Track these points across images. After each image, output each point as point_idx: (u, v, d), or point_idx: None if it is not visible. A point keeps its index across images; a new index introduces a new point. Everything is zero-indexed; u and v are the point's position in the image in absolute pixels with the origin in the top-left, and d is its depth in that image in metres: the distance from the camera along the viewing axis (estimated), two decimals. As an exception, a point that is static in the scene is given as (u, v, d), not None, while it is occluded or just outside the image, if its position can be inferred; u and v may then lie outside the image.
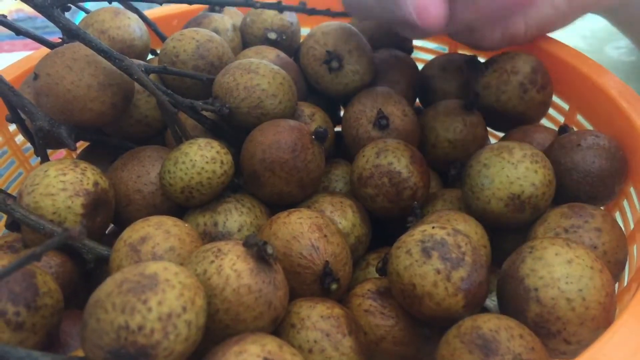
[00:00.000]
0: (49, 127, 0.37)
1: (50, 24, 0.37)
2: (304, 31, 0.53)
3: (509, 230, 0.39)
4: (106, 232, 0.41)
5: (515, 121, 0.46)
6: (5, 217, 0.40)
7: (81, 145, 0.49)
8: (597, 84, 0.42)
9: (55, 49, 0.38)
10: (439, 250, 0.30)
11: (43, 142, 0.38)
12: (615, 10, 0.56)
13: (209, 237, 0.37)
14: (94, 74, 0.37)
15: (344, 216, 0.38)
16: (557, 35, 0.47)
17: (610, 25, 0.66)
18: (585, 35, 0.83)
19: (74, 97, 0.36)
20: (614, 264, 0.34)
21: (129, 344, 0.22)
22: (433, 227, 0.31)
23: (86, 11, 0.49)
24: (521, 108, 0.45)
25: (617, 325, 0.26)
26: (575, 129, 0.45)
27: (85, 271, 0.36)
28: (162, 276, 0.24)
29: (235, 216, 0.37)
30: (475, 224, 0.37)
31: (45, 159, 0.39)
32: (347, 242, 0.36)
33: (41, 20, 0.98)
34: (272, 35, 0.49)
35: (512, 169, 0.36)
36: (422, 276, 0.30)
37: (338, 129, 0.49)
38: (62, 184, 0.34)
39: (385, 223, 0.43)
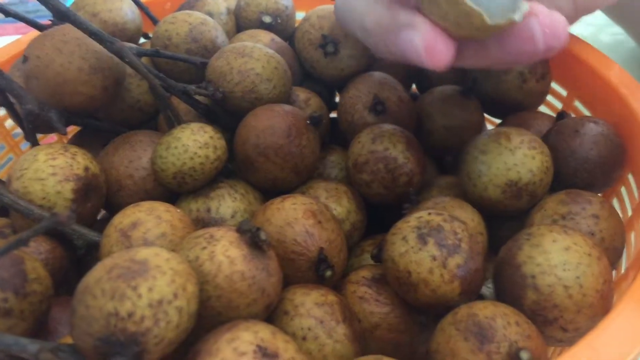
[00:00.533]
0: (38, 110, 0.36)
1: (42, 8, 0.36)
2: (299, 15, 0.52)
3: (506, 218, 0.39)
4: (98, 218, 0.40)
5: (513, 109, 0.45)
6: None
7: (73, 130, 0.48)
8: (596, 70, 0.41)
9: (45, 32, 0.37)
10: (435, 237, 0.30)
11: (33, 126, 0.37)
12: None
13: (201, 223, 0.36)
14: (85, 56, 0.36)
15: (339, 202, 0.38)
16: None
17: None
18: (581, 20, 0.82)
19: (64, 80, 0.36)
20: (612, 251, 0.34)
21: (119, 330, 0.22)
22: (429, 214, 0.31)
23: (77, -7, 0.48)
24: (520, 98, 0.45)
25: (614, 314, 0.26)
26: (573, 115, 0.44)
27: (76, 257, 0.36)
28: (153, 262, 0.23)
29: (229, 202, 0.37)
30: (472, 210, 0.36)
31: (35, 143, 0.38)
32: (342, 228, 0.35)
33: (32, 4, 0.97)
34: (267, 19, 0.48)
35: (509, 155, 0.35)
36: (417, 263, 0.29)
37: (334, 115, 0.48)
38: (52, 169, 0.34)
39: (381, 210, 0.42)
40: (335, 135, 0.47)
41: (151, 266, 0.23)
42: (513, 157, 0.35)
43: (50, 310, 0.31)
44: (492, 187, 0.36)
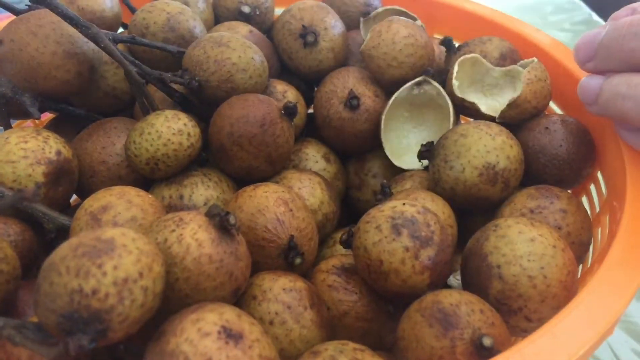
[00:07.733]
0: (12, 94, 0.36)
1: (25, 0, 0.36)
2: (278, 11, 0.52)
3: (475, 213, 0.39)
4: (72, 205, 0.40)
5: None
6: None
7: (49, 118, 0.48)
8: (568, 70, 0.42)
9: (20, 15, 0.37)
10: (409, 228, 0.30)
11: (5, 110, 0.37)
12: None
13: (174, 210, 0.36)
14: (59, 40, 0.36)
15: (312, 193, 0.38)
16: (539, 27, 0.47)
17: (590, 18, 0.66)
18: (564, 28, 0.84)
19: (38, 64, 0.36)
20: (578, 245, 0.34)
21: (83, 307, 0.22)
22: (404, 204, 0.31)
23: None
24: None
25: (575, 302, 0.26)
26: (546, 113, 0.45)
27: (47, 242, 0.36)
28: (119, 241, 0.23)
29: (202, 190, 0.37)
30: (443, 203, 0.36)
31: (8, 127, 0.38)
32: (314, 218, 0.35)
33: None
34: (246, 9, 0.48)
35: (489, 140, 0.36)
36: (390, 253, 0.30)
37: (312, 110, 0.48)
38: (24, 152, 0.33)
39: (355, 205, 0.42)
40: (312, 131, 0.47)
41: (117, 245, 0.23)
42: (493, 142, 0.36)
43: (19, 293, 0.31)
44: (470, 169, 0.36)
